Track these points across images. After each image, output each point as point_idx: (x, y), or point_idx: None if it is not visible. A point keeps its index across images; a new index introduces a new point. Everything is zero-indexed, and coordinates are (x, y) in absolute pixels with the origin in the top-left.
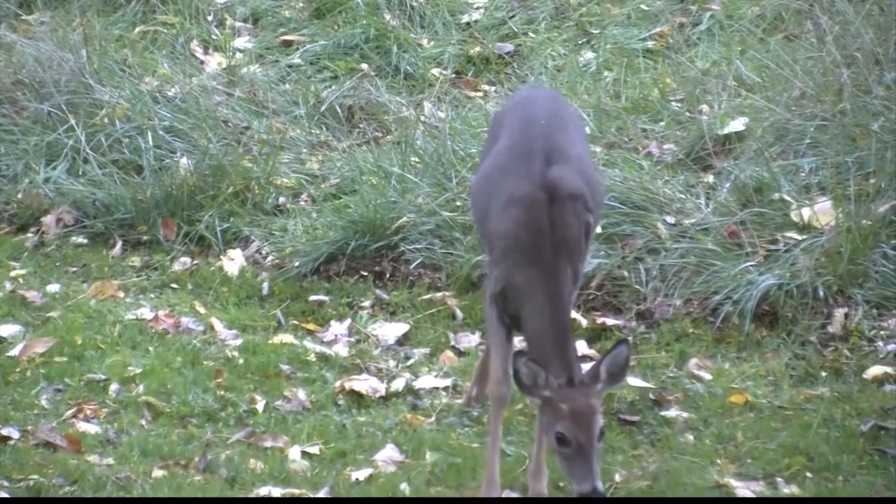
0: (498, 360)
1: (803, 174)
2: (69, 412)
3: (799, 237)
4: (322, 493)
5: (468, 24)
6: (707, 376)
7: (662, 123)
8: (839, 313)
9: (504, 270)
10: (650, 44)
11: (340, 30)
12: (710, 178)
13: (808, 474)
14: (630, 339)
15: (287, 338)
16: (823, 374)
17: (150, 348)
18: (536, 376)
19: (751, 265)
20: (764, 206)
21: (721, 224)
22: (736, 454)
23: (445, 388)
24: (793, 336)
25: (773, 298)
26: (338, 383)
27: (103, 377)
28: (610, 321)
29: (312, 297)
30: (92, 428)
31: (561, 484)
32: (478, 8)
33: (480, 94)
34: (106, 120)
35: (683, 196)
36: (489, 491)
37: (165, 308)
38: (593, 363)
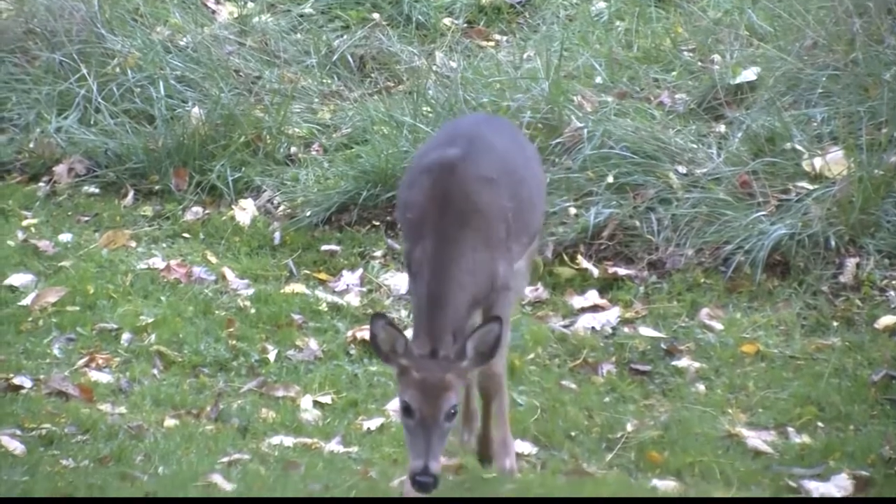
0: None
1: (815, 124)
2: (81, 361)
3: (811, 187)
4: (334, 443)
5: None
6: (718, 326)
7: (674, 73)
8: (851, 263)
9: (410, 244)
10: None
11: None
12: (722, 128)
13: (820, 424)
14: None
15: (299, 287)
16: (835, 323)
17: (162, 298)
18: (395, 342)
19: (762, 215)
20: (776, 156)
21: (733, 174)
22: (747, 404)
23: None
24: (804, 286)
25: (784, 248)
26: (349, 333)
27: (115, 326)
28: (621, 271)
29: (324, 247)
30: (104, 377)
31: (573, 433)
32: None
33: (492, 43)
34: (117, 69)
35: (695, 146)
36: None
37: (177, 257)
38: (460, 340)
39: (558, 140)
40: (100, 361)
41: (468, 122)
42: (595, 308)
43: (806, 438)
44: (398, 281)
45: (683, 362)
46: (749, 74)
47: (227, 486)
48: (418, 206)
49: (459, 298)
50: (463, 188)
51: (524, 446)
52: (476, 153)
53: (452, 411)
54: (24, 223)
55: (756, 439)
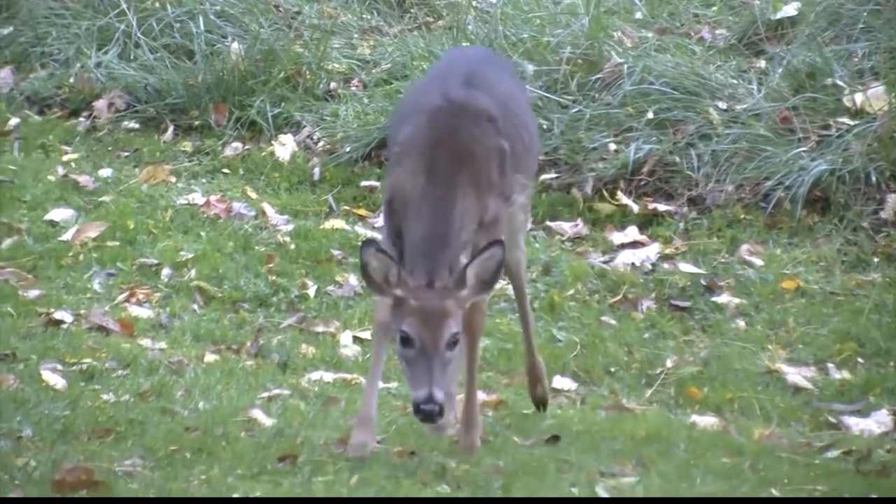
0: None
1: (856, 59)
2: (121, 296)
3: (851, 122)
4: None
5: None
6: (758, 262)
7: (714, 8)
8: (891, 199)
9: (396, 177)
10: None
11: None
12: (763, 64)
13: (860, 359)
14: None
15: (338, 223)
16: (875, 259)
17: (202, 233)
18: (387, 271)
19: (803, 151)
20: (816, 92)
21: (773, 109)
22: (787, 340)
23: None
24: (845, 222)
25: (825, 184)
26: None
27: (155, 262)
28: (661, 207)
29: (363, 183)
30: (144, 312)
31: (613, 369)
32: None
33: None
34: (157, 4)
35: (735, 81)
36: (362, 433)
37: (217, 193)
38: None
39: (598, 76)
40: (140, 296)
41: (471, 55)
42: (635, 244)
43: (846, 374)
44: None
45: (723, 298)
46: (790, 9)
47: (266, 422)
48: (410, 141)
49: (458, 239)
50: (461, 127)
51: (564, 382)
52: (473, 91)
53: (454, 339)
54: (65, 158)
55: (796, 375)
